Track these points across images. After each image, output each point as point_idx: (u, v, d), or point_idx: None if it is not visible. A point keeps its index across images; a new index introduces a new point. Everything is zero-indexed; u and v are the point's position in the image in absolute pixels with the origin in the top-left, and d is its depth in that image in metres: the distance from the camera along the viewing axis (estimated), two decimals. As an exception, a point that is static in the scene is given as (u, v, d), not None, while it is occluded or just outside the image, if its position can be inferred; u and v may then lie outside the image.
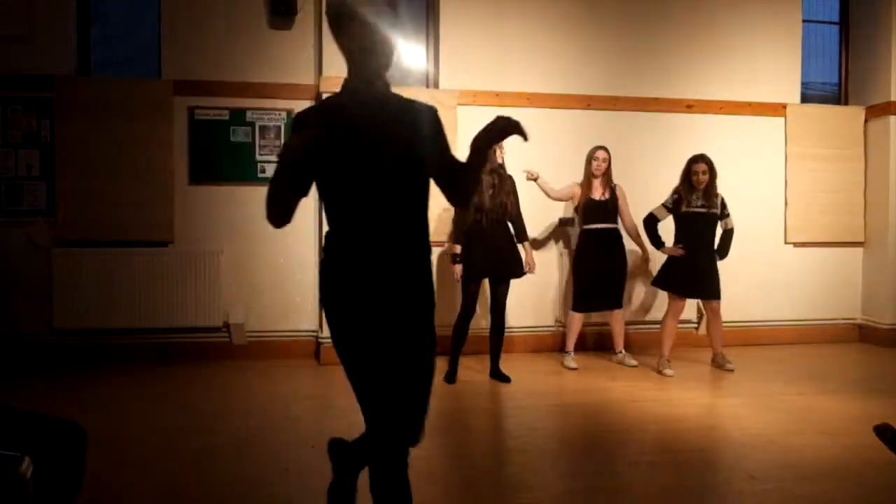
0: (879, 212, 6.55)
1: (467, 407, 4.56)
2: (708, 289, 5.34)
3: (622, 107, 6.15)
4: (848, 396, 4.60)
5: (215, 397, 4.52)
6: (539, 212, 5.92)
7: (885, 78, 6.46)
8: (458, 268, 4.93)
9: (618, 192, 5.49)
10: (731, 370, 5.33)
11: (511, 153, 5.82)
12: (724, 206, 5.36)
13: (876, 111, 6.56)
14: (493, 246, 4.89)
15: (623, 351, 5.54)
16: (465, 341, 5.02)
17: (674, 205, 5.34)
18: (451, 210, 5.16)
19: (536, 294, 6.01)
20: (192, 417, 4.05)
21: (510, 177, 5.08)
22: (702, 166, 5.25)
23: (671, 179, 6.23)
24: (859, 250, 6.71)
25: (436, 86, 5.97)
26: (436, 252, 5.46)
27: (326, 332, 5.51)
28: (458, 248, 4.95)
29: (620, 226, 5.50)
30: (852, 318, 6.68)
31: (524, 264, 5.06)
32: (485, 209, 4.87)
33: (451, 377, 4.93)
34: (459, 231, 4.98)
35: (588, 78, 6.13)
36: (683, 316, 6.26)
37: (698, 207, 5.29)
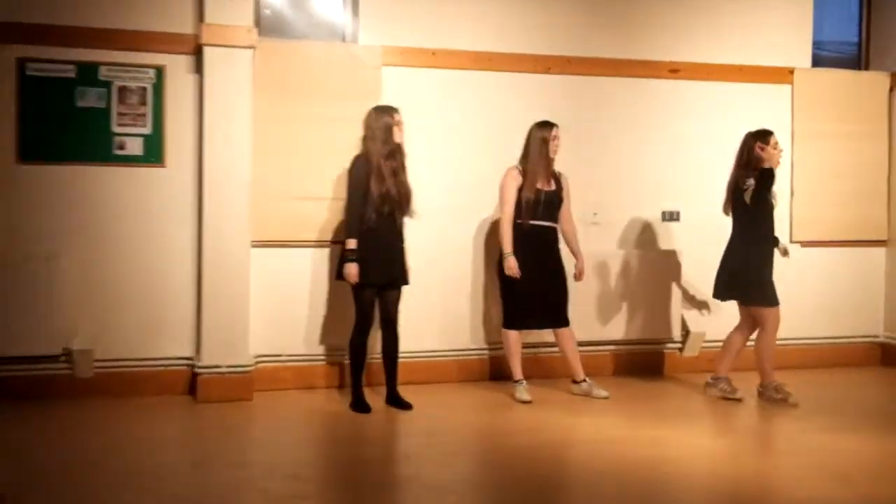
0: (906, 203, 6.77)
1: (388, 454, 4.53)
2: None
3: (590, 71, 6.21)
4: (868, 434, 4.72)
5: (51, 447, 4.38)
6: (464, 206, 5.97)
7: (914, 38, 6.70)
8: (354, 268, 5.01)
9: (563, 183, 5.56)
10: (793, 399, 5.39)
11: (432, 130, 5.80)
12: None
13: (903, 78, 6.78)
14: (389, 244, 5.12)
15: (588, 379, 5.56)
16: (366, 361, 5.26)
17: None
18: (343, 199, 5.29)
19: (461, 310, 6.05)
20: (21, 476, 3.88)
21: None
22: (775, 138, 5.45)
23: (651, 161, 6.32)
24: (881, 251, 6.91)
25: (354, 41, 5.93)
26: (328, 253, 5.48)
27: (205, 359, 5.39)
28: (352, 243, 5.05)
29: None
30: (873, 336, 6.89)
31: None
32: (391, 198, 5.04)
33: (360, 404, 5.10)
34: (355, 223, 5.06)
35: (548, 35, 6.16)
36: (663, 335, 6.36)
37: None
